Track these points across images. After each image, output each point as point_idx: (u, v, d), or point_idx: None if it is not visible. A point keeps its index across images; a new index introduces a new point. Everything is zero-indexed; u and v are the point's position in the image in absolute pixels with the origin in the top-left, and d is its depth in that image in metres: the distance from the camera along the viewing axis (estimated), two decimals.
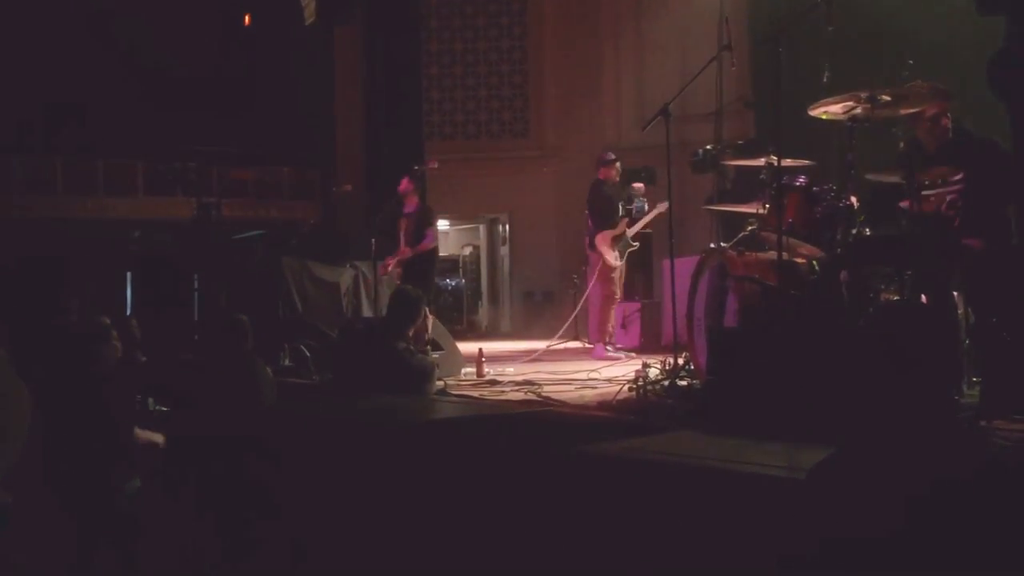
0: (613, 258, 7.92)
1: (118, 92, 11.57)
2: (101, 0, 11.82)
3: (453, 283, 12.57)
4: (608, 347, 7.81)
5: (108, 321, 4.83)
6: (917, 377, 1.88)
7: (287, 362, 6.75)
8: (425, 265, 7.86)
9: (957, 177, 4.46)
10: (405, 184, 7.87)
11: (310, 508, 3.87)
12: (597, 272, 8.01)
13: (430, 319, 6.01)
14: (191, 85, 11.97)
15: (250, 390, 4.84)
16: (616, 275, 8.04)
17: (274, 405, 4.85)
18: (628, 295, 9.06)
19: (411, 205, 7.92)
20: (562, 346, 8.82)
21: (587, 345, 9.11)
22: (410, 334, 5.35)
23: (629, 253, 8.36)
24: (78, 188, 12.27)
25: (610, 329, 7.92)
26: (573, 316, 8.57)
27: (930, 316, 1.98)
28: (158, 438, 4.70)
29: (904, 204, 4.28)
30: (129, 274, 8.94)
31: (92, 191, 12.33)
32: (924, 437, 1.85)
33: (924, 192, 4.52)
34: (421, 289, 7.88)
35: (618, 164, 8.35)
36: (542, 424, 4.17)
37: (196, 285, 7.92)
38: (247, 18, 12.75)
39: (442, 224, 10.51)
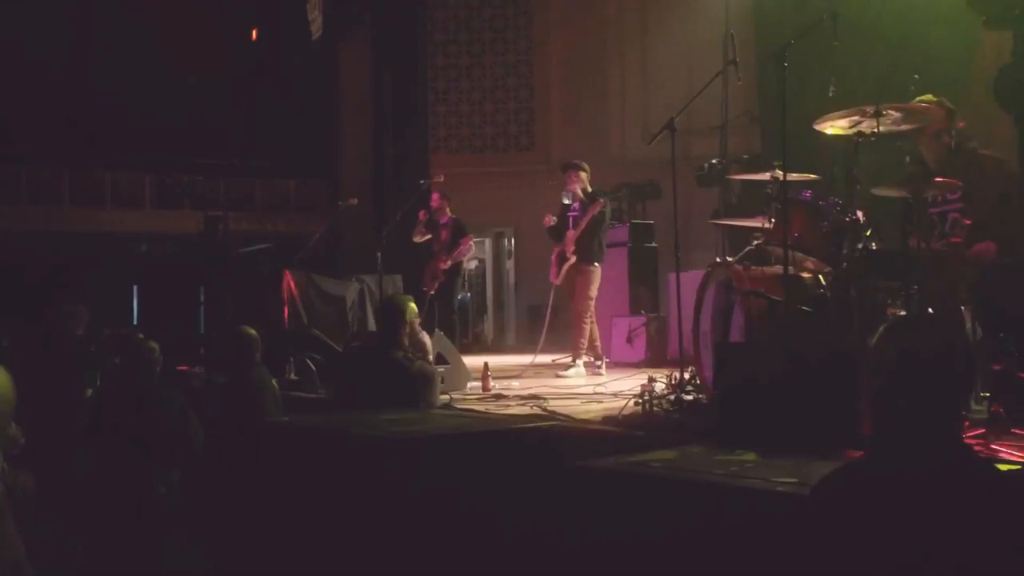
0: (554, 274, 7.62)
1: (126, 106, 11.64)
2: (109, 15, 11.91)
3: (459, 297, 12.56)
4: (577, 360, 7.45)
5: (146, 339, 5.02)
6: (925, 392, 1.87)
7: (293, 375, 6.75)
8: (453, 274, 8.43)
9: (955, 194, 4.46)
10: (437, 200, 8.43)
11: (314, 520, 3.87)
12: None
13: (426, 335, 5.92)
14: (199, 99, 12.03)
15: (256, 403, 4.86)
16: (561, 289, 7.66)
17: (280, 418, 4.85)
18: (634, 309, 9.04)
19: (444, 217, 8.44)
20: (568, 360, 8.79)
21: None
22: (405, 341, 5.26)
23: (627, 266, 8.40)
24: (86, 201, 12.33)
25: (581, 343, 7.44)
26: (544, 329, 8.42)
27: (939, 330, 1.97)
28: None
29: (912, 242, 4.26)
30: (135, 287, 8.98)
31: (100, 204, 12.39)
32: (931, 454, 1.84)
33: (931, 209, 4.51)
34: (449, 294, 8.25)
35: (568, 171, 7.54)
36: (548, 439, 4.15)
37: (202, 298, 7.94)
38: (254, 33, 12.83)
39: None
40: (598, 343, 7.60)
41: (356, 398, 5.03)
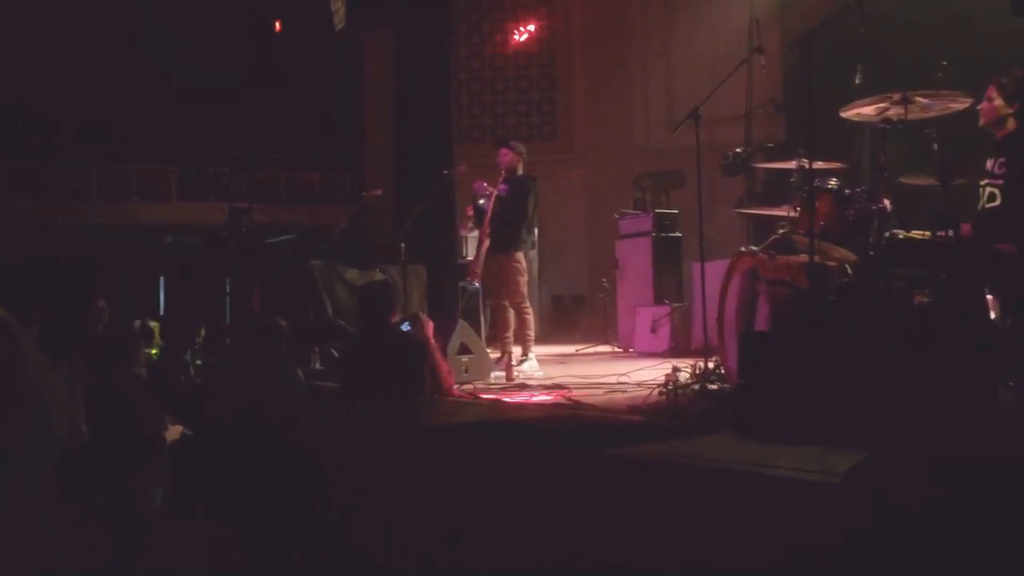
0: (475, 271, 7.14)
1: (151, 98, 11.72)
2: (133, 8, 11.99)
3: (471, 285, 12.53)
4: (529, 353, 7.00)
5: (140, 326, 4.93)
6: (953, 379, 1.86)
7: (318, 365, 6.79)
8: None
9: (1002, 169, 4.40)
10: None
11: (338, 512, 3.90)
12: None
13: (430, 327, 5.76)
14: (222, 91, 12.10)
15: (281, 393, 4.90)
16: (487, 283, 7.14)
17: (305, 409, 4.88)
18: (658, 299, 9.01)
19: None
20: (592, 350, 8.81)
21: (616, 349, 9.11)
22: (394, 320, 5.22)
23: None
24: (112, 194, 12.45)
25: (528, 335, 6.98)
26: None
27: (965, 318, 1.96)
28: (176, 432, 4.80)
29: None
30: (162, 279, 9.05)
31: (126, 196, 12.51)
32: (960, 438, 1.84)
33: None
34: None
35: (499, 146, 7.09)
36: (571, 427, 4.16)
37: (227, 289, 7.99)
38: (278, 24, 12.87)
39: None
40: (509, 336, 7.06)
41: (359, 384, 5.04)
